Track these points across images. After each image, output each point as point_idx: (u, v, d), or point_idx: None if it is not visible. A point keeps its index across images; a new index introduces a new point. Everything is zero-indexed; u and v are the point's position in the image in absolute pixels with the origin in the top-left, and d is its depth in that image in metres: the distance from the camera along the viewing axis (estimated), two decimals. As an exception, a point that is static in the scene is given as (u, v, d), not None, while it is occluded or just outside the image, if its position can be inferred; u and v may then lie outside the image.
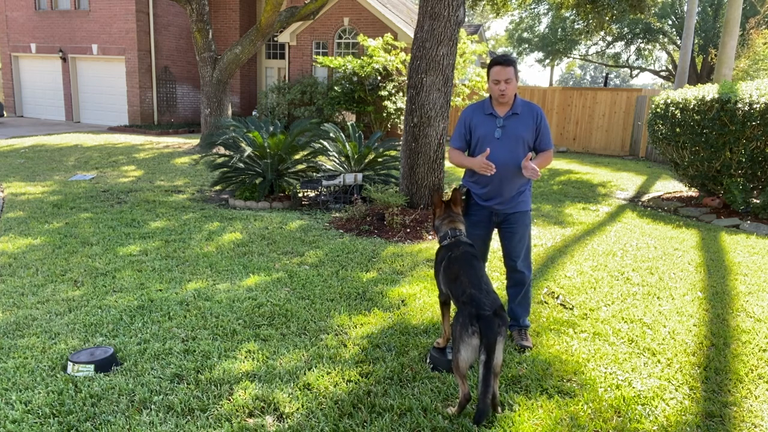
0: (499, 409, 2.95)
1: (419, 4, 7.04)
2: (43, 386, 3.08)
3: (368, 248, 5.88)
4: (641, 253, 6.04)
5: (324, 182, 7.85)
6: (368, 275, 5.05)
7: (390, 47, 15.75)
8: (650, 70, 36.30)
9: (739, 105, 7.56)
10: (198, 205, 7.88)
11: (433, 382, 3.22)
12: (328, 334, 3.83)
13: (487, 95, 3.71)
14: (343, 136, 8.59)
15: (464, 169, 3.84)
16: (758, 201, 7.79)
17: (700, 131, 8.07)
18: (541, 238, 6.58)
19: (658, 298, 4.73)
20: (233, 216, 7.16)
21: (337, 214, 7.34)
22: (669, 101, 8.88)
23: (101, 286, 4.64)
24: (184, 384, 3.14)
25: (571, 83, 66.68)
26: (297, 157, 8.36)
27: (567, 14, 26.11)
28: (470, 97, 16.05)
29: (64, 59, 19.37)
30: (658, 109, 9.11)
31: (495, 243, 3.91)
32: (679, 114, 8.51)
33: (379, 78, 16.01)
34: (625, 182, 11.17)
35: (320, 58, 16.42)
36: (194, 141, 15.08)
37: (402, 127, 11.44)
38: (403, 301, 4.44)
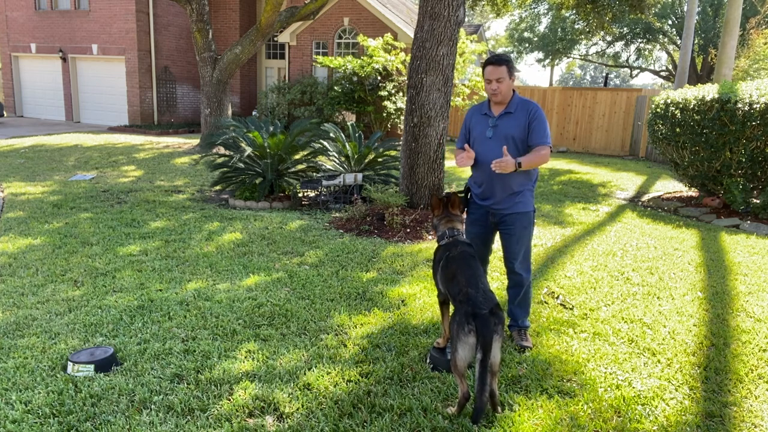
0: (499, 408, 2.95)
1: (419, 4, 7.04)
2: (43, 386, 3.08)
3: (368, 248, 5.88)
4: (641, 253, 6.04)
5: (324, 182, 7.85)
6: (368, 275, 5.05)
7: (390, 47, 15.76)
8: (650, 70, 36.31)
9: (739, 105, 7.56)
10: (198, 205, 7.88)
11: (433, 382, 3.22)
12: (328, 334, 3.83)
13: (487, 95, 3.72)
14: (343, 136, 8.59)
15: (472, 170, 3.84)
16: (758, 201, 7.79)
17: (700, 131, 8.07)
18: (541, 238, 6.58)
19: (658, 298, 4.73)
20: (233, 216, 7.16)
21: (337, 214, 7.34)
22: (669, 101, 8.88)
23: (101, 286, 4.64)
24: (184, 384, 3.14)
25: (571, 83, 66.68)
26: (297, 157, 8.36)
27: (567, 14, 26.11)
28: (470, 97, 16.06)
29: (64, 59, 19.37)
30: (658, 109, 9.11)
31: (496, 244, 3.91)
32: (679, 114, 8.51)
33: (379, 78, 16.01)
34: (625, 182, 11.17)
35: (320, 58, 16.42)
36: (194, 141, 15.08)
37: (402, 127, 11.45)
38: (403, 301, 4.44)
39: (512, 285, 3.84)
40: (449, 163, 9.34)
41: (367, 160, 8.53)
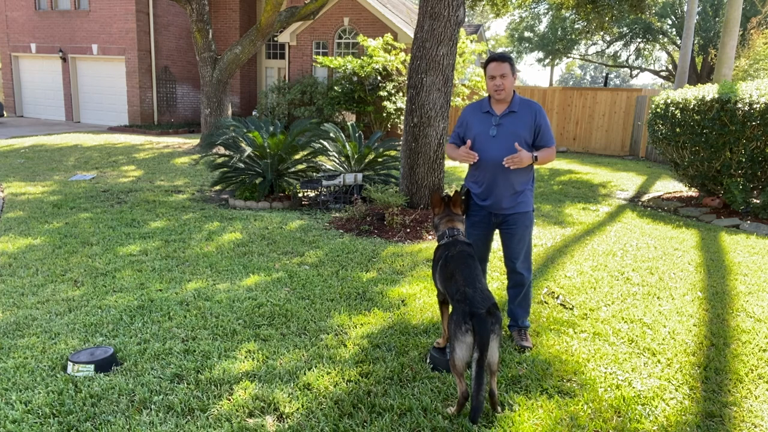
0: (499, 408, 2.95)
1: (419, 4, 7.04)
2: (43, 386, 3.08)
3: (368, 248, 5.88)
4: (641, 253, 6.04)
5: (324, 182, 7.85)
6: (368, 275, 5.05)
7: (390, 47, 15.76)
8: (650, 70, 36.31)
9: (739, 105, 7.56)
10: (198, 205, 7.88)
11: (433, 382, 3.22)
12: (328, 334, 3.83)
13: (487, 95, 3.71)
14: (343, 136, 8.59)
15: (467, 169, 3.83)
16: (758, 201, 7.79)
17: (700, 131, 8.07)
18: (541, 238, 6.58)
19: (658, 298, 4.73)
20: (233, 216, 7.16)
21: (337, 214, 7.34)
22: (669, 101, 8.88)
23: (101, 286, 4.64)
24: (184, 384, 3.14)
25: (571, 83, 66.67)
26: (297, 157, 8.36)
27: (567, 14, 26.11)
28: (470, 97, 16.06)
29: (64, 59, 19.37)
30: (658, 109, 9.11)
31: (496, 243, 3.91)
32: (679, 114, 8.51)
33: (379, 78, 16.01)
34: (625, 182, 11.17)
35: (320, 58, 16.42)
36: (194, 141, 15.08)
37: (402, 127, 11.44)
38: (403, 301, 4.44)
39: (513, 285, 3.84)
40: (449, 163, 9.34)
41: (367, 160, 8.53)
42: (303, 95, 17.42)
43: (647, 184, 11.13)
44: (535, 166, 3.60)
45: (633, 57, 35.26)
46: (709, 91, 8.17)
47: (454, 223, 3.45)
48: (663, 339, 3.92)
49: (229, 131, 8.56)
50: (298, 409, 2.93)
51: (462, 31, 14.68)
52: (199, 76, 14.05)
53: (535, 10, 32.80)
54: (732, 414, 3.04)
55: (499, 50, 41.67)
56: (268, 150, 7.91)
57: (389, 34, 15.82)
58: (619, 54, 34.49)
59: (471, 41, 15.82)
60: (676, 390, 3.26)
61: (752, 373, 3.49)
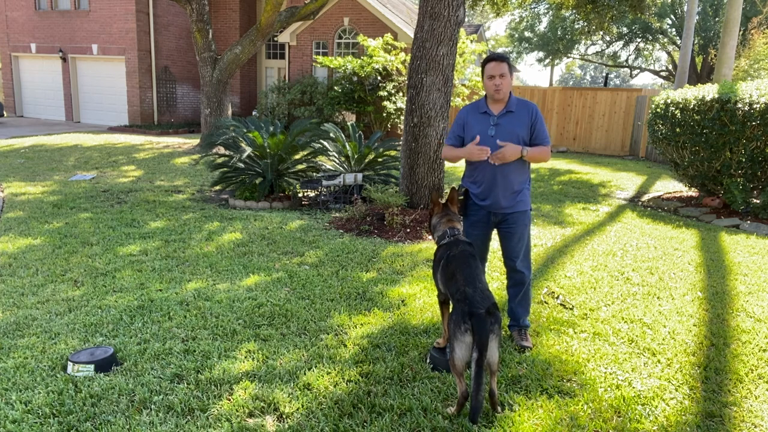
0: (499, 408, 2.95)
1: (419, 4, 7.04)
2: (43, 386, 3.08)
3: (368, 248, 5.88)
4: (641, 253, 6.04)
5: (324, 182, 7.85)
6: (368, 275, 5.05)
7: (390, 47, 15.76)
8: (650, 70, 36.30)
9: (739, 105, 7.56)
10: (198, 205, 7.88)
11: (433, 382, 3.22)
12: (327, 334, 3.83)
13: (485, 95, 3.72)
14: (343, 136, 8.59)
15: (464, 169, 3.84)
16: (758, 201, 7.79)
17: (700, 131, 8.07)
18: (541, 238, 6.58)
19: (658, 298, 4.73)
20: (233, 216, 7.16)
21: (337, 214, 7.34)
22: (669, 101, 8.88)
23: (101, 286, 4.64)
24: (184, 384, 3.14)
25: (571, 83, 66.67)
26: (297, 157, 8.36)
27: (567, 14, 26.11)
28: (470, 97, 16.07)
29: (64, 59, 19.37)
30: (658, 109, 9.11)
31: (495, 243, 3.91)
32: (679, 114, 8.51)
33: (379, 78, 16.01)
34: (625, 182, 11.17)
35: (320, 58, 16.42)
36: (194, 141, 15.08)
37: (402, 127, 11.45)
38: (403, 301, 4.44)
39: (513, 283, 3.85)
40: (449, 163, 9.33)
41: (367, 160, 8.53)
42: (303, 95, 17.42)
43: (647, 184, 11.13)
44: (534, 166, 3.60)
45: (633, 57, 35.28)
46: (709, 91, 8.17)
47: (454, 222, 3.46)
48: (663, 339, 3.92)
49: (229, 131, 8.56)
50: (298, 409, 2.93)
51: (462, 31, 14.68)
52: (199, 76, 14.05)
53: (535, 9, 32.79)
54: (732, 414, 3.04)
55: (499, 50, 41.71)
56: (268, 150, 7.91)
57: (389, 34, 15.82)
58: (618, 54, 34.49)
59: (471, 41, 15.82)
60: (676, 390, 3.26)
61: (752, 373, 3.49)
